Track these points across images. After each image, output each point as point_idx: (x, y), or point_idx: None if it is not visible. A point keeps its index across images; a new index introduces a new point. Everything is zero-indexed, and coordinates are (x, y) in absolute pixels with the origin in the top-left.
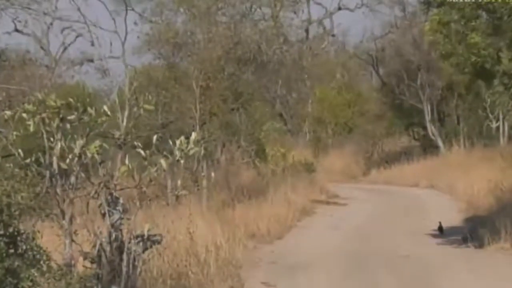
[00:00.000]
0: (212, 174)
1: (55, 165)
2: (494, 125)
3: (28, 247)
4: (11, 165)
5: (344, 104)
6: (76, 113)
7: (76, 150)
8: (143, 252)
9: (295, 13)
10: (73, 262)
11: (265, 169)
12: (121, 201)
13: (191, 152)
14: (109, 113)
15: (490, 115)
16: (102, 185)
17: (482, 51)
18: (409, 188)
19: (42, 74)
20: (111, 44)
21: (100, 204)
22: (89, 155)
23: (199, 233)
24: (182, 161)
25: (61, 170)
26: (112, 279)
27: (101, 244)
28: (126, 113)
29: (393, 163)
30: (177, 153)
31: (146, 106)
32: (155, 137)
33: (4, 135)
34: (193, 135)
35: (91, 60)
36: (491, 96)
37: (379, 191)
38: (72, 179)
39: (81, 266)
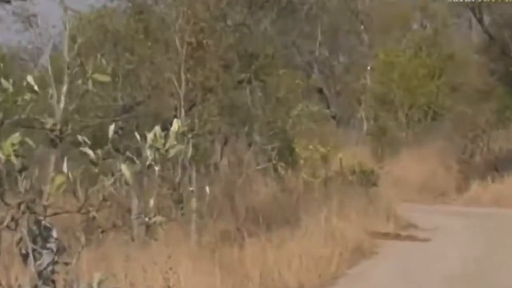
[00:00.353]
0: (207, 188)
1: None
2: None
3: None
4: None
5: (424, 73)
6: None
7: None
8: None
9: None
10: None
11: (294, 181)
12: (54, 233)
13: (172, 152)
14: (36, 88)
15: None
16: (23, 207)
17: None
18: None
19: None
20: None
21: (20, 240)
22: (1, 157)
23: None
24: (157, 168)
25: None
26: None
27: None
28: (64, 88)
29: (508, 170)
30: (148, 153)
31: (98, 77)
32: (112, 127)
33: None
34: (175, 124)
35: (7, 0)
36: None
37: (485, 219)
38: None
39: None
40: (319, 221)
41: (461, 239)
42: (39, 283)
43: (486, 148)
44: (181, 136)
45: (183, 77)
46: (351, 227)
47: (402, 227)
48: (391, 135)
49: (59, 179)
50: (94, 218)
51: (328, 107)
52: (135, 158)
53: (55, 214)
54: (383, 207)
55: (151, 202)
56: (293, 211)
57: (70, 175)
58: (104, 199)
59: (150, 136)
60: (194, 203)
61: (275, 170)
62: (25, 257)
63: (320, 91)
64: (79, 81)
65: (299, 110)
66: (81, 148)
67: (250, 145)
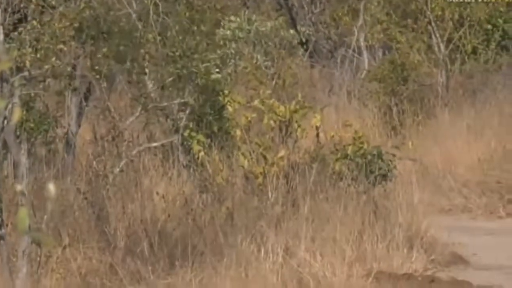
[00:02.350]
0: (51, 187)
1: None
2: None
3: None
4: None
5: None
6: None
7: None
8: None
9: None
10: None
11: (225, 172)
12: None
13: None
14: None
15: None
16: None
17: None
18: None
19: None
20: None
21: None
22: None
23: None
24: None
25: None
26: None
27: None
28: None
29: None
30: None
31: None
32: None
33: None
34: None
35: None
36: None
37: None
38: None
39: None
40: (269, 255)
41: None
42: None
43: None
44: None
45: None
46: (338, 265)
47: (440, 263)
48: (418, 81)
49: None
50: None
51: (294, 24)
52: None
53: None
54: (402, 223)
55: None
56: (223, 233)
57: None
58: None
59: None
60: (25, 217)
61: (187, 149)
62: None
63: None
64: None
65: (233, 28)
66: None
67: (136, 99)
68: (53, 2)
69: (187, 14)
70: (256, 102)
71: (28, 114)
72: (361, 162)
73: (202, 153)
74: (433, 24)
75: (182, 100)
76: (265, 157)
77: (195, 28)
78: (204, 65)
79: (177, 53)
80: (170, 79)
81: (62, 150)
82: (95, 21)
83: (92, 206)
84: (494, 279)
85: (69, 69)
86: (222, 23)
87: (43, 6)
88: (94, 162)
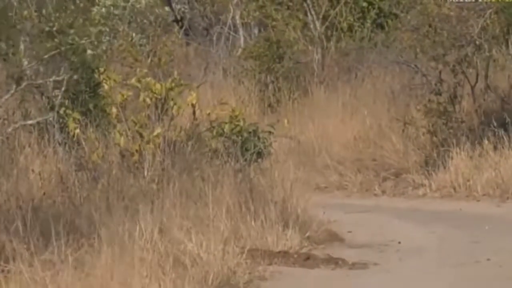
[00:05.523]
0: None
1: None
2: None
3: None
4: None
5: None
6: None
7: None
8: None
9: None
10: None
11: (100, 149)
12: None
13: None
14: None
15: None
16: None
17: None
18: None
19: None
20: None
21: None
22: None
23: None
24: None
25: None
26: None
27: None
28: None
29: None
30: None
31: None
32: None
33: None
34: None
35: None
36: None
37: (476, 225)
38: None
39: None
40: (144, 233)
41: (430, 267)
42: None
43: (481, 84)
44: None
45: None
46: (212, 243)
47: (315, 241)
48: (294, 58)
49: None
50: None
51: (169, 1)
52: None
53: None
54: (278, 201)
55: None
56: (98, 210)
57: None
58: None
59: None
60: None
61: (63, 127)
62: None
63: None
64: None
65: (108, 5)
66: None
67: (11, 77)
68: None
69: None
70: (132, 81)
71: None
72: (237, 139)
73: (77, 131)
74: (308, 1)
75: (58, 78)
76: (141, 135)
77: (72, 4)
78: (81, 41)
79: (54, 29)
80: (46, 56)
81: None
82: None
83: None
84: (369, 257)
85: None
86: (97, 1)
87: None
88: None
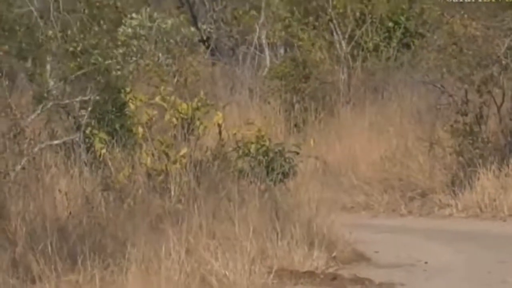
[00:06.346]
0: None
1: None
2: None
3: None
4: None
5: None
6: None
7: None
8: None
9: None
10: None
11: (127, 169)
12: None
13: None
14: None
15: None
16: None
17: None
18: None
19: None
20: None
21: None
22: None
23: None
24: None
25: None
26: None
27: None
28: None
29: None
30: None
31: None
32: None
33: None
34: None
35: None
36: None
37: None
38: None
39: None
40: (170, 253)
41: (456, 287)
42: None
43: (507, 103)
44: None
45: None
46: (239, 263)
47: (342, 261)
48: (320, 78)
49: None
50: None
51: (195, 21)
52: None
53: None
54: (304, 221)
55: None
56: (124, 230)
57: None
58: None
59: None
60: None
61: (89, 147)
62: None
63: None
64: None
65: (134, 26)
66: None
67: (38, 97)
68: None
69: (86, 11)
70: (157, 99)
71: None
72: (263, 159)
73: (103, 151)
74: (334, 21)
75: (84, 98)
76: (167, 155)
77: (96, 25)
78: (106, 62)
79: (78, 49)
80: (72, 76)
81: None
82: None
83: None
84: (395, 277)
85: None
86: (123, 21)
87: None
88: None
